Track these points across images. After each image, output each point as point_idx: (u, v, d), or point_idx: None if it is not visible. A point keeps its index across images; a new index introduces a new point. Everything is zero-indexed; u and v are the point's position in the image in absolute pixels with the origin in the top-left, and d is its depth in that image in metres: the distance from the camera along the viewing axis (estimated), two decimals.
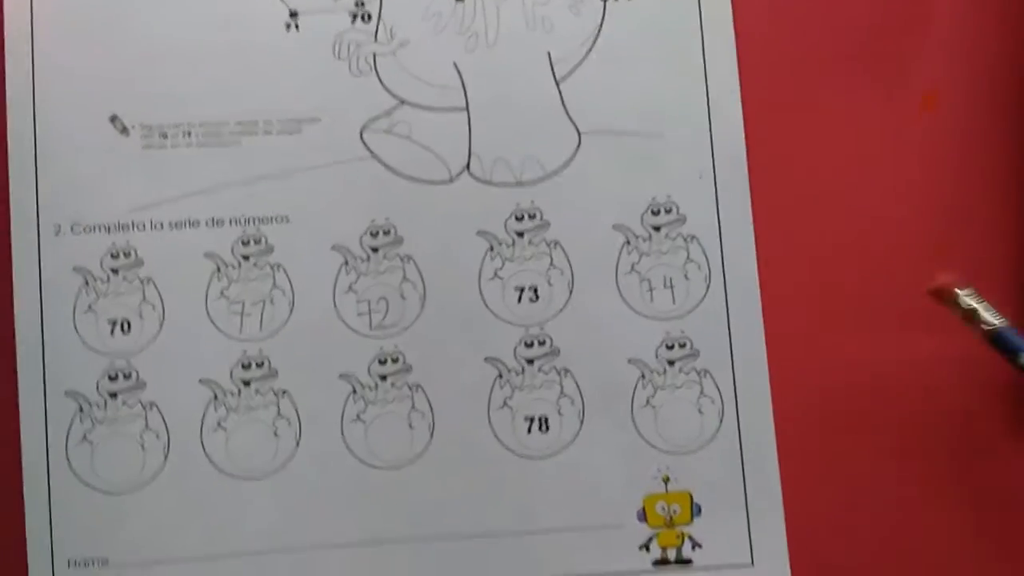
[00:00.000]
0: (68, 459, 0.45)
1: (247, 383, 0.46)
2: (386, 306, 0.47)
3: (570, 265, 0.47)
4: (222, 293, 0.46)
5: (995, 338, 0.43)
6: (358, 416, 0.46)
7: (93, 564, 0.45)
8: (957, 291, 0.44)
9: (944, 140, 0.48)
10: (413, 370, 0.46)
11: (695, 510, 0.46)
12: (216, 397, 0.46)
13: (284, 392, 0.46)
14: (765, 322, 0.47)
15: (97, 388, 0.46)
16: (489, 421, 0.46)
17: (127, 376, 0.46)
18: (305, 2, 0.47)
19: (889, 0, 0.48)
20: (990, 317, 0.43)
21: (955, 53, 0.48)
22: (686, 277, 0.47)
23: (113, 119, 0.47)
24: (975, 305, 0.43)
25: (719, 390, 0.47)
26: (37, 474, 0.45)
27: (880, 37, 0.48)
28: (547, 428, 0.46)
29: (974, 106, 0.48)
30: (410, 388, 0.46)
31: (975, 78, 0.48)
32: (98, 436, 0.45)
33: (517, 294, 0.47)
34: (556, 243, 0.47)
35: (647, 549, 0.46)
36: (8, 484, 0.45)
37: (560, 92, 0.48)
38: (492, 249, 0.47)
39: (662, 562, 0.46)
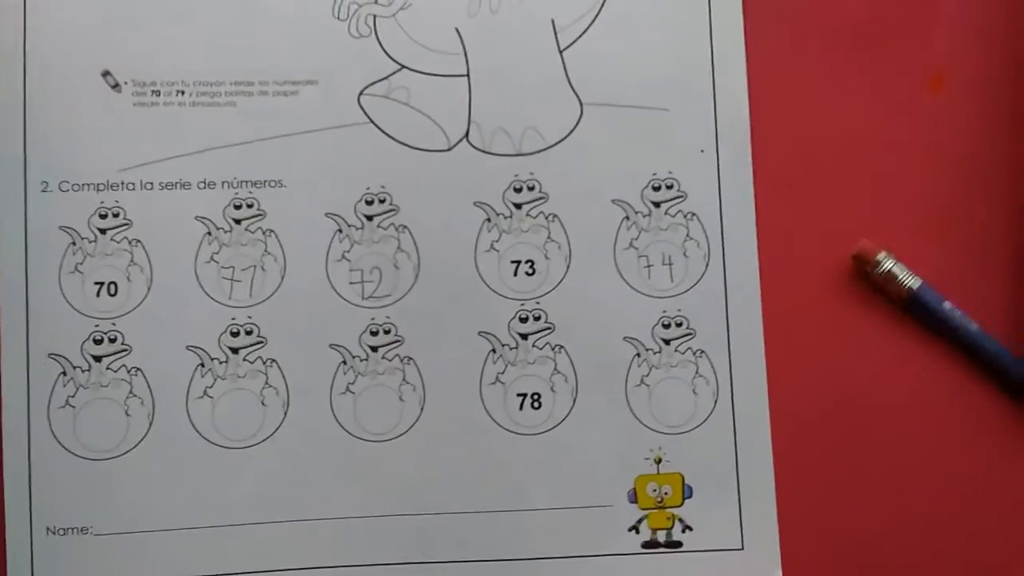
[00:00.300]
0: (50, 423, 0.44)
1: (235, 350, 0.45)
2: (379, 276, 0.46)
3: (568, 239, 0.46)
4: (212, 257, 0.45)
5: (915, 298, 0.45)
6: (347, 387, 0.45)
7: (73, 532, 0.44)
8: (879, 255, 0.45)
9: (949, 123, 0.47)
10: (405, 342, 0.46)
11: (686, 492, 0.46)
12: (203, 364, 0.45)
13: (272, 361, 0.45)
14: (764, 303, 0.46)
15: (81, 351, 0.45)
16: (481, 396, 0.46)
17: (112, 340, 0.45)
18: None
19: None
20: (909, 278, 0.45)
21: (962, 37, 0.48)
22: (685, 255, 0.46)
23: (105, 74, 0.46)
24: (895, 268, 0.45)
25: (715, 371, 0.46)
26: (17, 438, 0.44)
27: (888, 19, 0.48)
28: (539, 405, 0.46)
29: (980, 90, 0.47)
30: (401, 360, 0.46)
31: (981, 62, 0.48)
32: (81, 400, 0.45)
33: (513, 267, 0.46)
34: (554, 216, 0.46)
35: (636, 531, 0.45)
36: None
37: (563, 61, 0.47)
38: (489, 220, 0.46)
39: (651, 544, 0.45)
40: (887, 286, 0.46)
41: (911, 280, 0.45)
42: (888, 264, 0.45)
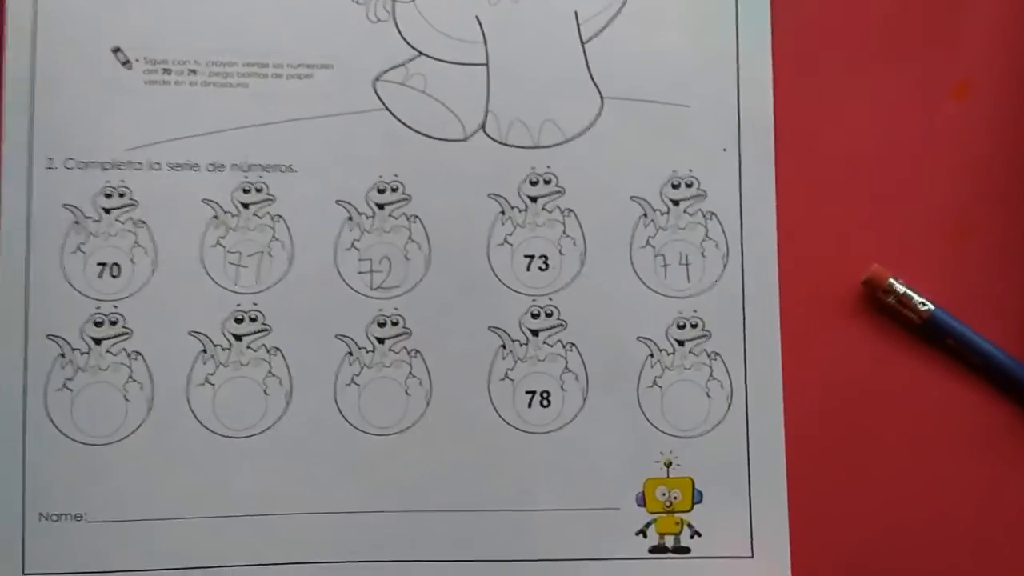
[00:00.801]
0: (46, 406, 0.43)
1: (239, 337, 0.44)
2: (389, 266, 0.45)
3: (583, 235, 0.45)
4: (218, 242, 0.45)
5: (931, 320, 0.45)
6: (353, 379, 0.44)
7: (67, 518, 0.43)
8: (892, 279, 0.45)
9: (973, 129, 0.47)
10: (413, 335, 0.45)
11: (696, 497, 0.45)
12: (205, 350, 0.44)
13: (277, 349, 0.44)
14: (781, 307, 0.45)
15: (81, 333, 0.44)
16: (489, 392, 0.45)
17: (113, 322, 0.44)
18: None
19: None
20: (925, 301, 0.45)
21: (989, 44, 0.47)
22: (703, 255, 0.46)
23: (116, 51, 0.45)
24: (910, 291, 0.45)
25: (729, 374, 0.45)
26: (12, 420, 0.43)
27: (915, 24, 0.47)
28: (548, 403, 0.45)
29: (1005, 97, 0.47)
30: (409, 353, 0.45)
31: (1008, 70, 0.47)
32: (79, 384, 0.44)
33: (527, 262, 0.45)
34: (570, 211, 0.45)
35: (644, 535, 0.45)
36: None
37: (585, 54, 0.46)
38: (503, 213, 0.45)
39: (659, 549, 0.45)
40: (901, 310, 0.45)
41: (926, 304, 0.45)
42: (900, 288, 0.45)
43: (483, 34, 0.46)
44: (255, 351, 0.44)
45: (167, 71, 0.45)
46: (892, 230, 0.46)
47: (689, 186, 0.46)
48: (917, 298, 0.45)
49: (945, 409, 0.45)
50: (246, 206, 0.45)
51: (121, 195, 0.44)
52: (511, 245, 0.45)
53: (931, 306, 0.45)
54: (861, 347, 0.45)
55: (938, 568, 0.45)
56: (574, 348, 0.45)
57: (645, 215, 0.46)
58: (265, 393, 0.44)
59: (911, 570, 0.45)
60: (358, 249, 0.45)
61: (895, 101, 0.47)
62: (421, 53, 0.46)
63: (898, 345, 0.45)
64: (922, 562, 0.45)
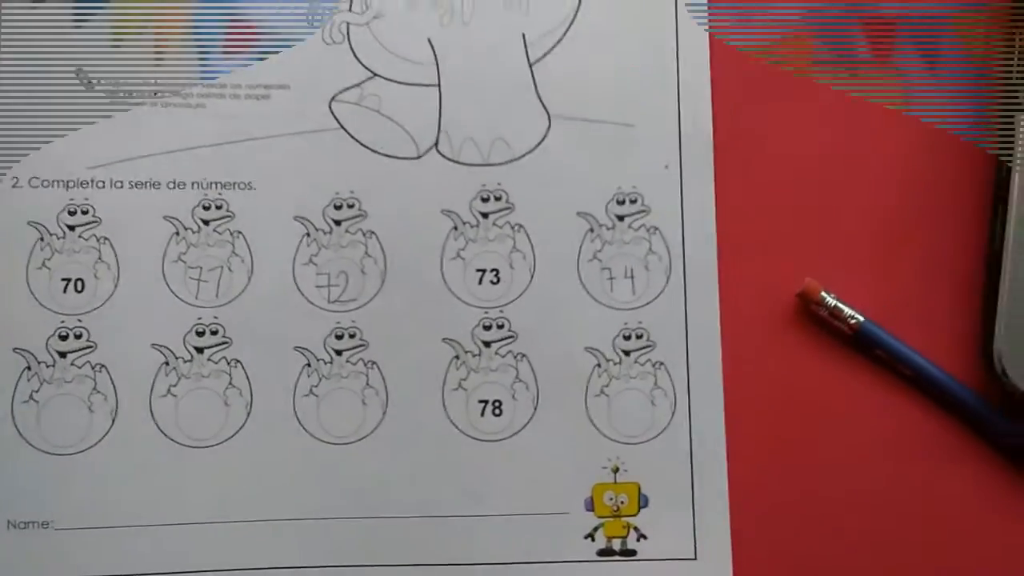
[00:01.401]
0: (13, 417, 0.44)
1: (200, 350, 0.45)
2: (346, 280, 0.46)
3: (532, 249, 0.47)
4: (179, 257, 0.46)
5: (860, 332, 0.46)
6: (311, 390, 0.46)
7: (34, 526, 0.44)
8: (823, 292, 0.46)
9: (915, 140, 0.48)
10: (369, 346, 0.46)
11: (642, 501, 0.46)
12: (167, 363, 0.45)
13: (237, 362, 0.45)
14: (722, 318, 0.47)
15: (47, 346, 0.45)
16: (443, 402, 0.46)
17: (78, 336, 0.45)
18: None
19: None
20: (855, 313, 0.46)
21: None
22: (647, 268, 0.47)
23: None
24: (840, 304, 0.46)
25: (672, 383, 0.46)
26: None
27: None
28: (500, 412, 0.46)
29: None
30: (365, 364, 0.46)
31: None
32: (45, 396, 0.45)
33: (478, 276, 0.47)
34: (520, 227, 0.47)
35: (592, 539, 0.46)
36: None
37: (533, 74, 0.47)
38: (456, 229, 0.47)
39: (606, 552, 0.46)
40: (833, 322, 0.46)
41: (855, 317, 0.46)
42: (831, 301, 0.46)
43: (435, 56, 0.47)
44: (216, 363, 0.45)
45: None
46: (827, 243, 0.47)
47: (633, 202, 0.47)
48: (847, 311, 0.46)
49: (878, 416, 0.47)
50: (206, 222, 0.46)
51: (84, 212, 0.45)
52: (463, 259, 0.47)
53: (860, 318, 0.46)
54: (797, 357, 0.47)
55: (872, 567, 0.46)
56: (525, 359, 0.46)
57: (592, 230, 0.47)
58: (226, 404, 0.45)
59: (846, 568, 0.46)
60: (316, 264, 0.46)
61: (828, 118, 0.48)
62: (375, 74, 0.47)
63: (831, 355, 0.47)
64: (857, 561, 0.46)
